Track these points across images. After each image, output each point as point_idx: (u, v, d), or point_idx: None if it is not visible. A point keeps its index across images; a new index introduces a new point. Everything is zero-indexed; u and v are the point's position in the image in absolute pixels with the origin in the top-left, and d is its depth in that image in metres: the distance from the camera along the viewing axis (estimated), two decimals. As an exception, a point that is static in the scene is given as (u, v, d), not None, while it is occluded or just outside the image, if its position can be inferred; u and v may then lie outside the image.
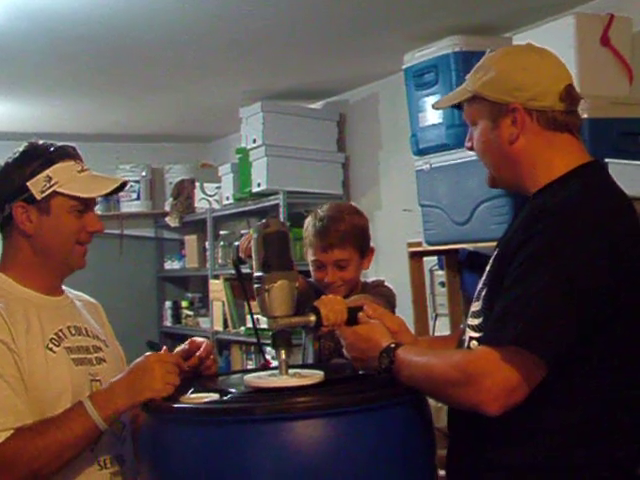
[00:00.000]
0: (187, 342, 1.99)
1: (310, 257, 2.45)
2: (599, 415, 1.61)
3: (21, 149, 1.88)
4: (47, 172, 1.83)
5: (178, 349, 1.96)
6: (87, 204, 1.88)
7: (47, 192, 1.83)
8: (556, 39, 2.98)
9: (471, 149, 1.81)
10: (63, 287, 1.97)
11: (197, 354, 1.95)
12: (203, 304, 6.45)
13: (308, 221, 2.48)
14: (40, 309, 1.85)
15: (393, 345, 1.70)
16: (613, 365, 1.61)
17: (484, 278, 1.75)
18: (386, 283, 2.62)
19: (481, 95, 1.72)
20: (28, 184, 1.83)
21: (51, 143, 1.90)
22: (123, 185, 1.96)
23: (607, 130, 2.95)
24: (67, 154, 1.88)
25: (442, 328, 4.01)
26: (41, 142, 1.90)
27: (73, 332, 1.89)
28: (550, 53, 1.80)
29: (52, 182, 1.83)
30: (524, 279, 1.56)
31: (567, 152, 1.73)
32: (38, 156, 1.85)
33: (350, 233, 2.42)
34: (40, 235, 1.85)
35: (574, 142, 1.74)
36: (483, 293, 1.72)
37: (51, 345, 1.82)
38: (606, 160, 2.73)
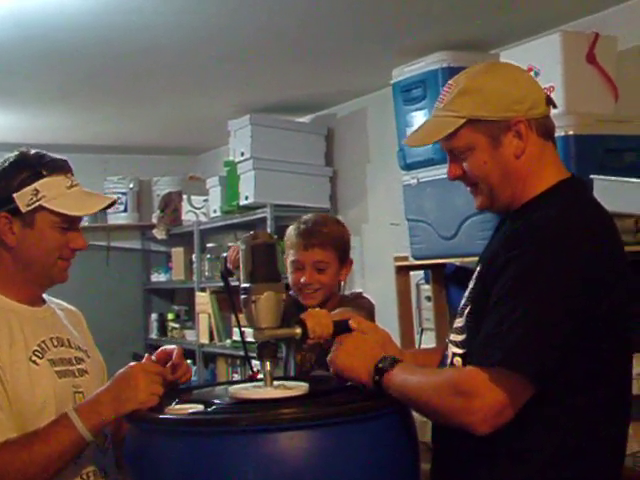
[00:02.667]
0: (156, 353, 1.96)
1: (290, 258, 2.47)
2: (584, 433, 1.62)
3: (11, 158, 1.85)
4: (35, 185, 1.80)
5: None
6: (72, 221, 1.85)
7: (33, 206, 1.80)
8: (542, 56, 3.02)
9: (455, 179, 1.76)
10: (44, 296, 1.95)
11: (170, 363, 1.91)
12: (189, 317, 6.44)
13: (291, 227, 2.52)
14: (23, 320, 1.83)
15: (390, 359, 1.70)
16: (597, 383, 1.62)
17: (467, 295, 1.75)
18: (364, 294, 2.64)
19: (478, 117, 1.68)
20: (14, 196, 1.79)
21: (43, 154, 1.87)
22: (111, 204, 1.94)
23: (592, 147, 2.97)
24: (58, 168, 1.85)
25: (428, 342, 4.01)
26: (33, 152, 1.87)
27: (55, 343, 1.87)
28: (515, 65, 1.82)
29: (39, 196, 1.80)
30: (509, 300, 1.56)
31: (553, 163, 1.74)
32: (27, 168, 1.82)
33: (332, 237, 2.46)
34: (22, 248, 1.82)
35: (556, 152, 1.76)
36: (467, 310, 1.72)
37: (34, 357, 1.80)
38: (591, 176, 2.75)
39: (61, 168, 1.86)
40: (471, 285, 1.75)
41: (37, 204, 1.80)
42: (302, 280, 2.42)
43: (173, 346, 1.97)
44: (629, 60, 3.21)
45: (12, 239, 1.82)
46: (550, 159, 1.74)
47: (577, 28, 3.30)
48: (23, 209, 1.80)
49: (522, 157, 1.69)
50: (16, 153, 1.87)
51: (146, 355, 1.93)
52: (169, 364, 1.92)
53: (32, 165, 1.83)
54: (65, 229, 1.84)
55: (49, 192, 1.81)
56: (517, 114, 1.68)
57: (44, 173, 1.82)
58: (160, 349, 1.97)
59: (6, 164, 1.85)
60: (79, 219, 1.88)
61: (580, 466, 1.62)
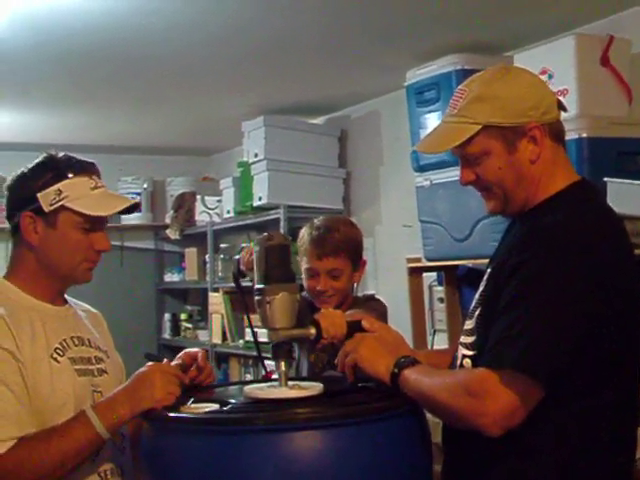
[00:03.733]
0: (180, 355, 1.99)
1: (304, 265, 2.48)
2: (592, 434, 1.63)
3: (38, 159, 1.88)
4: (58, 185, 1.82)
5: (173, 363, 1.95)
6: (95, 222, 1.87)
7: (55, 205, 1.82)
8: (556, 59, 3.03)
9: (468, 184, 1.77)
10: (66, 296, 1.97)
11: (195, 365, 1.96)
12: (202, 317, 6.46)
13: (304, 231, 2.51)
14: (45, 318, 1.85)
15: (412, 359, 1.72)
16: (606, 386, 1.63)
17: (477, 297, 1.76)
18: (377, 296, 2.64)
19: (494, 124, 1.68)
20: (38, 195, 1.82)
21: (70, 156, 1.89)
22: (134, 207, 1.96)
23: (606, 150, 2.98)
24: (83, 169, 1.87)
25: (440, 343, 4.02)
26: (61, 154, 1.89)
27: (76, 342, 1.89)
28: (526, 69, 1.83)
29: (62, 196, 1.82)
30: (519, 303, 1.57)
31: (565, 166, 1.75)
32: (52, 168, 1.85)
33: (344, 243, 2.45)
34: (44, 247, 1.85)
35: (566, 155, 1.77)
36: (477, 312, 1.73)
37: (55, 355, 1.82)
38: (605, 179, 2.76)
39: (86, 169, 1.88)
40: (481, 287, 1.76)
41: (59, 204, 1.82)
42: (318, 288, 2.43)
43: (197, 349, 2.00)
44: (643, 63, 3.21)
45: (35, 238, 1.84)
46: (562, 163, 1.75)
47: (591, 31, 3.31)
48: (46, 208, 1.82)
49: (537, 162, 1.70)
50: (44, 154, 1.89)
51: (165, 360, 1.94)
52: (194, 367, 1.95)
53: (57, 166, 1.86)
54: (88, 230, 1.86)
55: (72, 192, 1.83)
56: (532, 119, 1.68)
57: (69, 174, 1.84)
58: (184, 352, 2.00)
59: (33, 165, 1.88)
60: (104, 220, 1.90)
61: (591, 467, 1.62)
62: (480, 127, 1.69)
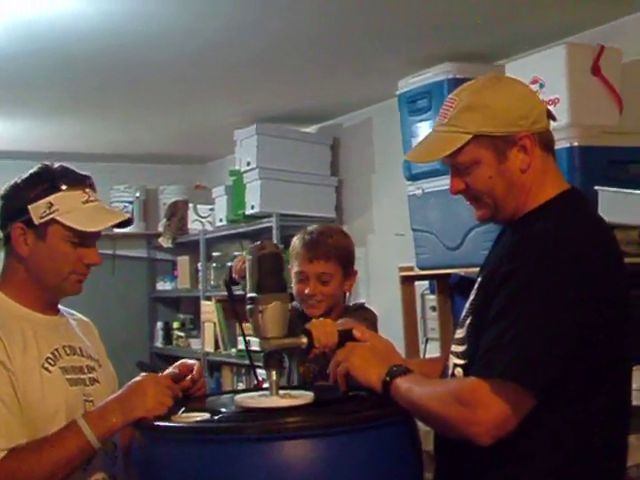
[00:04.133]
0: (177, 364, 1.99)
1: (295, 269, 2.48)
2: (584, 441, 1.63)
3: (33, 170, 1.87)
4: (50, 198, 1.82)
5: (168, 371, 1.96)
6: (85, 236, 1.86)
7: (45, 218, 1.81)
8: (548, 68, 3.04)
9: (458, 193, 1.77)
10: (59, 306, 1.97)
11: (189, 377, 1.95)
12: (194, 325, 6.45)
13: (296, 237, 2.52)
14: (37, 328, 1.85)
15: (404, 368, 1.72)
16: (597, 393, 1.63)
17: (468, 306, 1.76)
18: (367, 305, 2.65)
19: (484, 133, 1.69)
20: (29, 207, 1.82)
21: (65, 168, 1.88)
22: (127, 221, 1.95)
23: (597, 158, 2.99)
24: (77, 182, 1.86)
25: (433, 352, 4.02)
26: (56, 165, 1.89)
27: (68, 352, 1.89)
28: (516, 79, 1.84)
29: (52, 209, 1.81)
30: (509, 312, 1.57)
31: (554, 175, 1.75)
32: (45, 180, 1.84)
33: (336, 249, 2.46)
34: (34, 259, 1.84)
35: (555, 164, 1.77)
36: (467, 321, 1.73)
37: (47, 365, 1.81)
38: (596, 188, 2.77)
39: (80, 182, 1.88)
40: (472, 296, 1.76)
41: (50, 217, 1.82)
42: (306, 292, 2.43)
43: (194, 361, 2.00)
44: (634, 72, 3.22)
45: (25, 250, 1.84)
46: (552, 171, 1.75)
47: (582, 40, 3.32)
48: (36, 221, 1.82)
49: (528, 171, 1.71)
50: (39, 165, 1.89)
51: (160, 372, 1.94)
52: (189, 377, 1.94)
53: (50, 178, 1.85)
54: (77, 244, 1.85)
55: (63, 206, 1.82)
56: (522, 129, 1.69)
57: (62, 187, 1.84)
58: (181, 362, 2.00)
59: (27, 175, 1.87)
60: (95, 235, 1.88)
61: (584, 472, 1.62)
62: (471, 136, 1.69)
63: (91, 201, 1.87)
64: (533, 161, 1.71)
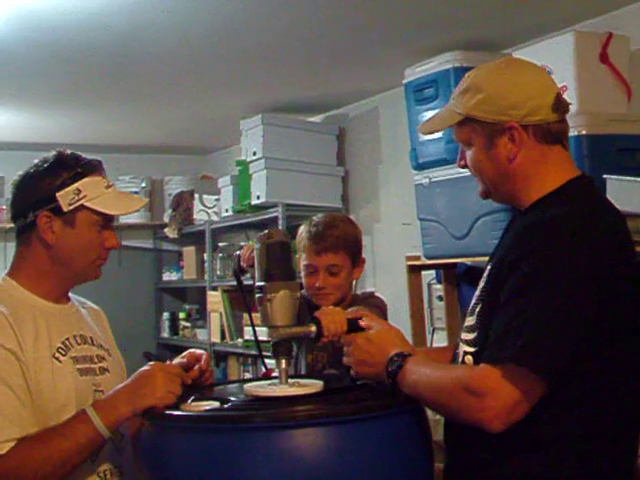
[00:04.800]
0: (185, 354, 1.99)
1: (303, 262, 2.47)
2: (596, 429, 1.63)
3: (51, 159, 1.87)
4: (77, 185, 1.83)
5: (176, 361, 1.97)
6: (109, 220, 1.90)
7: (75, 205, 1.83)
8: (555, 56, 3.02)
9: (464, 167, 1.81)
10: (70, 294, 1.98)
11: (197, 366, 1.96)
12: (201, 315, 6.45)
13: (302, 228, 2.51)
14: (48, 317, 1.85)
15: (405, 353, 1.72)
16: (610, 380, 1.63)
17: (478, 293, 1.75)
18: (377, 294, 2.64)
19: (474, 117, 1.71)
20: (57, 195, 1.83)
21: (78, 155, 1.90)
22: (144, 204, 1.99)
23: (606, 146, 2.97)
24: (95, 169, 1.89)
25: (440, 341, 4.02)
26: (69, 152, 1.90)
27: (79, 341, 1.89)
28: (533, 64, 1.81)
29: (81, 195, 1.83)
30: (520, 298, 1.57)
31: (559, 165, 1.74)
32: (69, 168, 1.85)
33: (344, 239, 2.45)
34: (61, 246, 1.85)
35: (564, 154, 1.75)
36: (478, 309, 1.73)
37: (58, 354, 1.82)
38: (604, 176, 2.75)
39: (98, 168, 1.90)
40: (482, 284, 1.75)
41: (79, 203, 1.83)
42: (316, 284, 2.42)
43: (202, 351, 2.01)
44: (642, 60, 3.21)
45: (52, 237, 1.84)
46: (556, 162, 1.73)
47: (590, 28, 3.31)
48: (65, 208, 1.83)
49: (515, 161, 1.71)
50: (54, 153, 1.89)
51: (168, 361, 1.96)
52: (196, 367, 1.95)
53: (72, 165, 1.86)
54: (102, 227, 1.88)
55: (90, 192, 1.84)
56: (511, 119, 1.69)
57: (85, 173, 1.86)
58: (189, 351, 2.01)
59: (46, 164, 1.87)
60: (113, 219, 1.92)
61: (593, 462, 1.62)
62: (461, 118, 1.73)
63: (110, 186, 1.90)
64: (523, 152, 1.70)
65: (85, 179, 1.85)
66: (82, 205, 1.84)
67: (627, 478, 1.69)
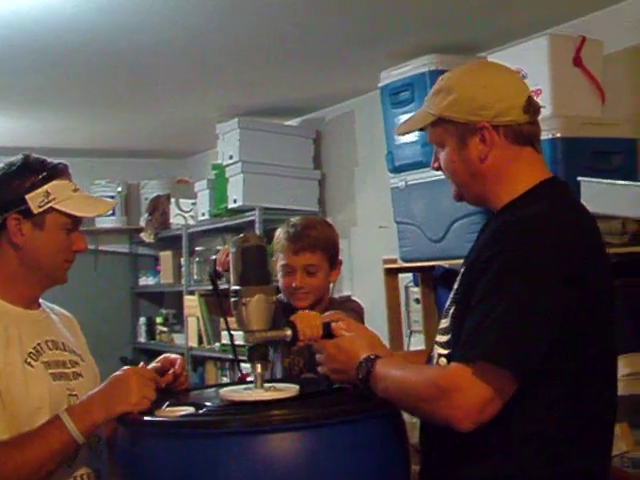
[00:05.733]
0: (160, 358, 1.99)
1: (280, 262, 2.47)
2: (570, 430, 1.63)
3: (18, 162, 1.88)
4: (46, 187, 1.84)
5: (151, 366, 1.96)
6: (77, 223, 1.90)
7: (44, 207, 1.83)
8: (530, 59, 3.04)
9: (437, 169, 1.82)
10: (40, 300, 1.97)
11: (172, 370, 1.95)
12: (178, 320, 6.43)
13: (280, 229, 2.51)
14: (19, 322, 1.84)
15: (373, 356, 1.72)
16: (583, 381, 1.63)
17: (452, 295, 1.76)
18: (354, 297, 2.64)
19: (446, 117, 1.73)
20: (27, 197, 1.83)
21: (43, 159, 1.90)
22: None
23: (580, 149, 2.99)
24: (62, 172, 1.89)
25: (417, 344, 4.03)
26: (35, 156, 1.90)
27: (51, 346, 1.88)
28: (505, 67, 1.83)
29: (50, 198, 1.84)
30: (491, 297, 1.58)
31: (530, 167, 1.75)
32: (38, 171, 1.86)
33: (322, 240, 2.45)
34: (30, 249, 1.85)
35: (536, 156, 1.77)
36: (451, 311, 1.73)
37: (29, 360, 1.81)
38: (579, 179, 2.77)
39: (64, 172, 1.90)
40: (456, 285, 1.76)
41: (48, 205, 1.84)
42: (293, 284, 2.42)
43: (177, 355, 2.01)
44: (615, 63, 3.23)
45: (21, 240, 1.85)
46: (528, 163, 1.74)
47: (564, 31, 3.32)
48: (35, 210, 1.83)
49: (486, 161, 1.72)
50: (20, 157, 1.90)
51: (141, 363, 1.95)
52: (170, 372, 1.94)
53: (41, 168, 1.87)
54: (70, 230, 1.88)
55: (59, 194, 1.85)
56: (482, 119, 1.70)
57: (53, 176, 1.86)
58: (163, 356, 2.01)
59: (14, 167, 1.87)
60: (80, 222, 1.92)
61: (567, 462, 1.62)
62: (434, 118, 1.75)
63: (77, 189, 1.91)
64: (495, 152, 1.71)
65: (53, 182, 1.85)
66: (51, 207, 1.84)
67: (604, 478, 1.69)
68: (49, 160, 1.90)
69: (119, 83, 4.32)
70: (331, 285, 2.61)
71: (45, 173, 1.85)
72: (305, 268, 2.42)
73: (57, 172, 1.88)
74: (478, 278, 1.62)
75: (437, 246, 3.50)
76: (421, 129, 1.83)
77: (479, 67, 1.84)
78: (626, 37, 3.22)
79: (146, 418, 1.70)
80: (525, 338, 1.55)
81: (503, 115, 1.70)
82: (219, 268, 2.24)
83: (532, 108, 1.74)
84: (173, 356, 2.00)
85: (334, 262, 2.50)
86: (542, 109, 1.80)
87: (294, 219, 2.53)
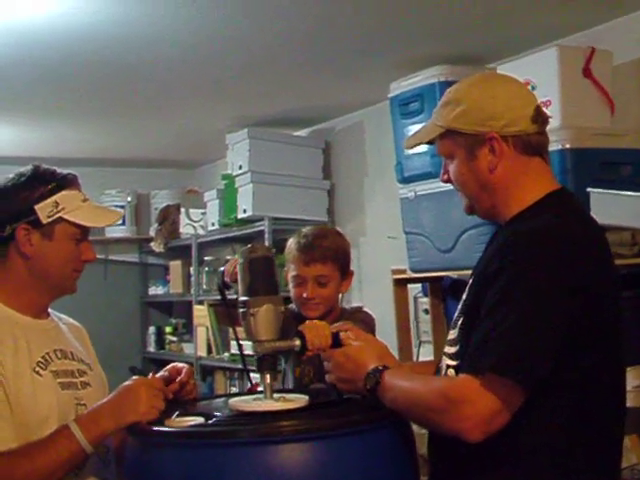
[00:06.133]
0: (167, 368, 1.99)
1: (292, 272, 2.47)
2: (578, 441, 1.63)
3: (28, 173, 1.88)
4: (55, 198, 1.85)
5: (158, 375, 1.95)
6: (86, 233, 1.91)
7: (53, 217, 1.84)
8: (539, 70, 3.04)
9: (447, 182, 1.82)
10: (49, 310, 1.97)
11: (178, 379, 1.95)
12: (187, 330, 6.43)
13: (291, 240, 2.50)
14: (27, 332, 1.84)
15: (381, 367, 1.71)
16: (591, 392, 1.63)
17: (460, 307, 1.76)
18: (365, 309, 2.64)
19: (455, 129, 1.73)
20: (36, 207, 1.84)
21: (53, 170, 1.91)
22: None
23: (589, 160, 2.99)
24: (71, 183, 1.90)
25: (426, 355, 4.02)
26: (45, 167, 1.91)
27: (59, 356, 1.89)
28: (513, 78, 1.83)
29: (59, 208, 1.85)
30: (499, 309, 1.57)
31: (539, 177, 1.75)
32: (47, 181, 1.87)
33: (333, 250, 2.45)
34: (39, 259, 1.86)
35: (545, 167, 1.77)
36: (460, 322, 1.73)
37: (38, 368, 1.81)
38: (588, 190, 2.77)
39: (73, 183, 1.91)
40: (464, 297, 1.76)
41: (57, 216, 1.85)
42: (304, 295, 2.42)
43: (184, 364, 2.01)
44: (624, 74, 3.23)
45: (30, 250, 1.85)
46: (536, 174, 1.75)
47: (573, 43, 3.33)
48: (44, 220, 1.84)
49: (496, 172, 1.72)
50: (30, 167, 1.90)
51: (151, 373, 1.95)
52: (177, 380, 1.94)
53: (50, 179, 1.88)
54: (79, 240, 1.89)
55: (68, 205, 1.86)
56: (491, 129, 1.70)
57: (63, 186, 1.87)
58: (171, 365, 2.00)
59: (23, 178, 1.88)
60: (89, 232, 1.93)
61: (575, 471, 1.62)
62: (442, 130, 1.75)
63: (86, 200, 1.91)
64: (504, 163, 1.71)
65: (62, 192, 1.86)
66: (60, 217, 1.85)
67: None
68: (59, 170, 1.91)
69: (131, 94, 4.33)
70: (340, 296, 2.61)
71: (54, 183, 1.86)
72: (316, 279, 2.42)
73: (66, 182, 1.89)
74: (486, 290, 1.62)
75: (446, 256, 3.50)
76: (429, 142, 1.83)
77: (487, 78, 1.84)
78: (635, 48, 3.23)
79: (155, 428, 1.70)
80: (532, 350, 1.55)
81: (512, 125, 1.71)
82: (227, 279, 2.24)
83: (540, 118, 1.74)
84: (180, 365, 2.00)
85: (345, 272, 2.50)
86: (551, 120, 1.80)
87: (306, 229, 2.52)
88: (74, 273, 1.91)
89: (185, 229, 5.96)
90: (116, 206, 6.15)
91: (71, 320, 2.08)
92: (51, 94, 4.27)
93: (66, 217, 1.85)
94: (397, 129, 3.79)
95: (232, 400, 1.86)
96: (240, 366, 5.16)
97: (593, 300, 1.60)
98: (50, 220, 1.84)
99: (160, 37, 3.39)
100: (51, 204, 1.84)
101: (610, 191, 2.79)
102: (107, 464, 1.91)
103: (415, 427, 1.81)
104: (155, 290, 6.69)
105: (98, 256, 1.98)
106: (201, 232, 5.80)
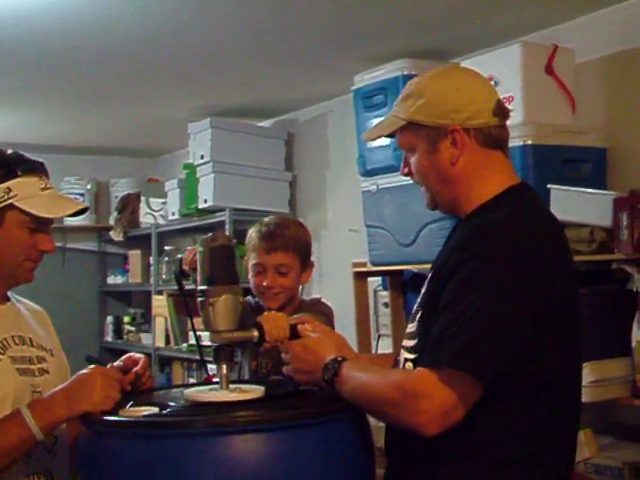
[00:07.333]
0: (123, 358, 1.97)
1: (252, 261, 2.45)
2: (533, 435, 1.63)
3: None
4: (8, 184, 1.80)
5: (114, 364, 1.93)
6: (41, 223, 1.85)
7: (3, 204, 1.80)
8: (502, 66, 3.06)
9: (407, 175, 1.81)
10: (10, 295, 1.94)
11: (134, 370, 1.93)
12: (145, 320, 6.39)
13: (253, 229, 2.49)
14: None
15: (340, 358, 1.71)
16: (547, 383, 1.63)
17: (419, 300, 1.76)
18: (323, 300, 2.63)
19: (417, 121, 1.73)
20: None
21: (20, 154, 1.87)
22: (82, 211, 1.94)
23: (550, 157, 3.01)
24: (33, 169, 1.85)
25: (385, 348, 4.03)
26: (9, 151, 1.87)
27: (17, 341, 1.86)
28: (474, 71, 1.83)
29: (10, 194, 1.80)
30: (459, 302, 1.57)
31: (500, 171, 1.75)
32: (1, 166, 1.82)
33: (295, 240, 2.44)
34: None
35: (505, 161, 1.77)
36: (418, 315, 1.73)
37: None
38: (549, 186, 2.79)
39: (36, 169, 1.86)
40: (423, 290, 1.76)
41: (8, 202, 1.80)
42: (264, 284, 2.41)
43: (141, 355, 1.98)
44: (586, 72, 3.26)
45: None
46: (497, 167, 1.75)
47: (536, 40, 3.35)
48: None
49: (457, 164, 1.72)
50: None
51: (109, 364, 1.92)
52: (133, 371, 1.92)
53: (7, 164, 1.83)
54: (34, 230, 1.84)
55: (21, 192, 1.81)
56: (453, 122, 1.70)
57: (19, 173, 1.82)
58: (127, 355, 1.98)
59: None
60: (50, 222, 1.88)
61: (530, 465, 1.63)
62: (404, 123, 1.74)
63: (48, 188, 1.87)
64: (466, 155, 1.71)
65: (18, 179, 1.82)
66: (11, 204, 1.80)
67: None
68: (25, 157, 1.86)
69: (93, 81, 4.28)
70: (300, 287, 2.60)
71: (9, 169, 1.81)
72: (277, 268, 2.41)
73: (25, 169, 1.83)
74: (445, 283, 1.62)
75: (407, 250, 3.51)
76: (390, 135, 1.82)
77: (448, 71, 1.83)
78: (598, 47, 3.26)
79: (108, 417, 1.68)
80: (491, 345, 1.55)
81: (474, 118, 1.71)
82: (185, 267, 2.22)
83: (502, 111, 1.75)
84: (137, 355, 1.97)
85: (306, 263, 2.49)
86: (513, 116, 1.80)
87: (267, 218, 2.51)
88: (28, 262, 1.86)
89: (145, 218, 5.92)
90: (75, 194, 6.11)
91: (33, 305, 2.04)
92: (9, 79, 4.20)
93: (18, 205, 1.80)
94: (360, 122, 3.79)
95: (187, 390, 1.84)
96: (198, 357, 5.14)
97: (555, 294, 1.61)
98: (0, 206, 1.79)
99: (121, 24, 3.35)
100: (2, 190, 1.80)
101: (570, 188, 2.81)
102: (53, 454, 1.88)
103: (372, 420, 1.80)
104: (114, 279, 6.63)
105: (56, 244, 1.93)
106: (161, 221, 5.76)
